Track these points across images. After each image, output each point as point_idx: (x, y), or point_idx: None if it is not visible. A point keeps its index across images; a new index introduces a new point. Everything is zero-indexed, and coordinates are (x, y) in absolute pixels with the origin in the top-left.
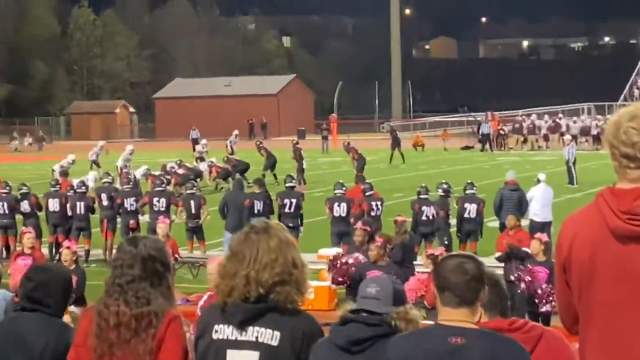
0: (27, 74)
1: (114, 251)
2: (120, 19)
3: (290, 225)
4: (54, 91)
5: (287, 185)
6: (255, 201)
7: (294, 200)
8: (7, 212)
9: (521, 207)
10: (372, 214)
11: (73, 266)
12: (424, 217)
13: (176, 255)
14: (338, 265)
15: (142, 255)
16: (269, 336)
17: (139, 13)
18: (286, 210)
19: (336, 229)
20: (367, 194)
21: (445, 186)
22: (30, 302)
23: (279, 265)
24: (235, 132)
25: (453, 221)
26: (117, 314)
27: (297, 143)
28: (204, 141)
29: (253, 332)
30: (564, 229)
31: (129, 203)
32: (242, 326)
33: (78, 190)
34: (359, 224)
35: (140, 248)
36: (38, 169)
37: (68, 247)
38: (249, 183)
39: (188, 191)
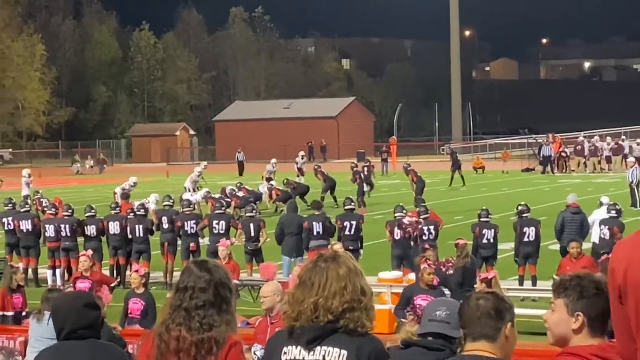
0: (89, 98)
1: (176, 274)
2: (181, 43)
3: (351, 248)
4: (116, 114)
5: (347, 207)
6: (314, 223)
7: (354, 223)
8: (69, 234)
9: (583, 230)
10: (425, 238)
11: (142, 290)
12: (485, 240)
13: (236, 281)
14: None
15: (216, 281)
16: (336, 355)
17: (199, 36)
18: (346, 232)
19: (397, 252)
20: (423, 217)
21: (618, 207)
22: (83, 330)
23: (348, 293)
24: (302, 153)
25: (510, 245)
26: (178, 339)
27: (356, 166)
28: (273, 160)
29: (321, 352)
30: (616, 255)
31: (189, 226)
32: (309, 346)
33: (138, 213)
34: (425, 263)
35: (214, 273)
36: (100, 192)
37: (137, 271)
38: (308, 206)
39: (248, 214)
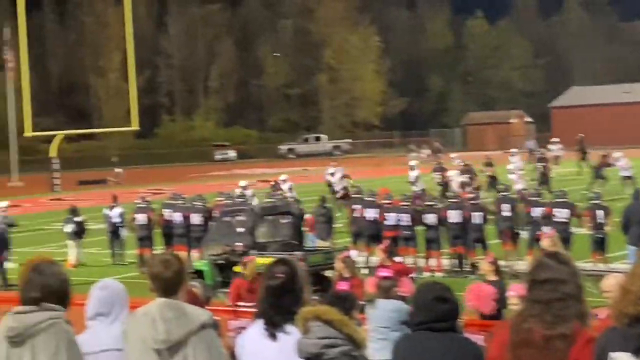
0: (422, 87)
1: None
2: (515, 29)
3: None
4: (449, 103)
5: None
6: None
7: None
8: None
9: None
10: None
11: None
12: None
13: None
14: None
15: (576, 272)
16: None
17: (534, 22)
18: None
19: None
20: None
21: None
22: (440, 322)
23: None
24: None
25: None
26: (529, 331)
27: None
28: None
29: None
30: None
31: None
32: (638, 353)
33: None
34: None
35: (573, 265)
36: (427, 182)
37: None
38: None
39: (594, 201)
